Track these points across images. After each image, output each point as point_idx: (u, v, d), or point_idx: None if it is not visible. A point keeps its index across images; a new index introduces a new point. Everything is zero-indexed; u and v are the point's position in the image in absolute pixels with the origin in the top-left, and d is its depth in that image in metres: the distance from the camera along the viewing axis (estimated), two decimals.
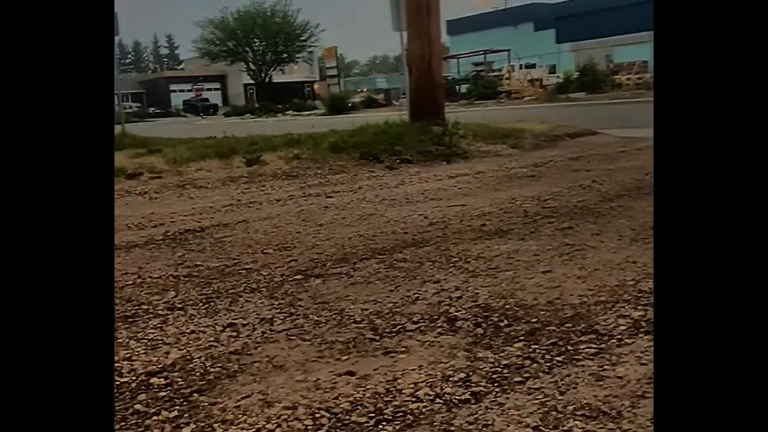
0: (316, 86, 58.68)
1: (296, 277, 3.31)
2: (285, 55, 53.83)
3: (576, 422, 1.76)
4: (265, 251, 3.87)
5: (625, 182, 5.55)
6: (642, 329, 2.35)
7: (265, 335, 2.53)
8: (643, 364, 2.07)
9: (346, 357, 2.28)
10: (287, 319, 2.69)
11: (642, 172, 5.96)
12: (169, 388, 2.11)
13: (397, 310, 2.73)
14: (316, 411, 1.89)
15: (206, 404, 1.98)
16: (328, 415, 1.87)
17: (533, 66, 37.12)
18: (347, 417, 1.85)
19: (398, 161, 7.74)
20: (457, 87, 34.90)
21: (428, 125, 8.97)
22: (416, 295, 2.90)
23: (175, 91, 63.77)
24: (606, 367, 2.08)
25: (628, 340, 2.27)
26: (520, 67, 36.42)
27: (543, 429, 1.74)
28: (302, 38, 53.39)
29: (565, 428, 1.73)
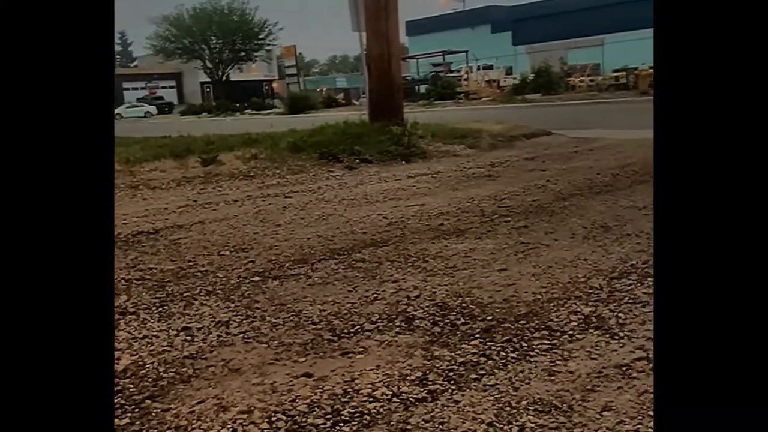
0: (275, 85, 58.19)
1: (253, 278, 3.29)
2: (243, 54, 53.35)
3: (529, 417, 1.80)
4: (221, 253, 3.84)
5: (577, 182, 5.66)
6: (592, 325, 2.41)
7: (221, 339, 2.51)
8: (593, 359, 2.13)
9: (303, 359, 2.28)
10: (244, 321, 2.68)
11: (593, 172, 6.09)
12: (120, 395, 2.07)
13: (356, 310, 2.74)
14: (273, 414, 1.89)
15: (159, 410, 1.96)
16: (285, 417, 1.87)
17: (490, 67, 37.48)
18: (304, 419, 1.86)
19: (358, 161, 7.74)
20: (417, 87, 35.04)
21: (388, 125, 8.99)
22: (375, 295, 2.92)
23: (128, 89, 62.40)
24: (558, 362, 2.12)
25: (579, 336, 2.32)
26: (478, 69, 36.73)
27: (497, 425, 1.77)
28: (260, 36, 52.98)
29: (518, 423, 1.77)
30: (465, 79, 34.04)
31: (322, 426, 1.82)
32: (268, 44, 54.45)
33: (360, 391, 1.99)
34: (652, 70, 25.24)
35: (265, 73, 61.77)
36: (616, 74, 28.94)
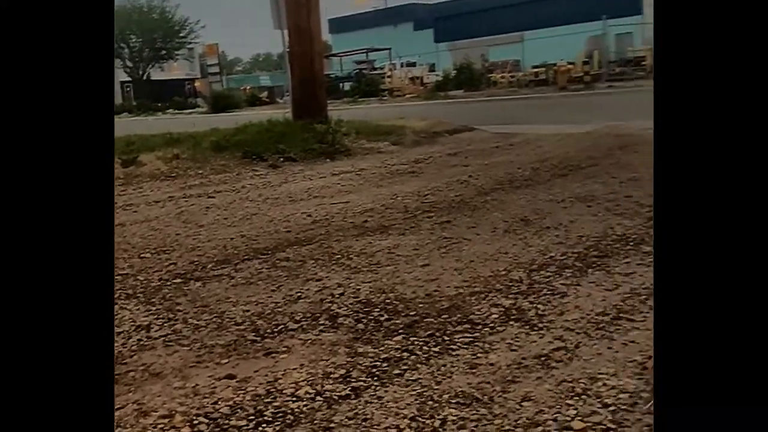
0: (197, 84, 56.95)
1: (175, 280, 3.22)
2: (163, 52, 52.14)
3: (451, 410, 1.82)
4: (142, 255, 3.75)
5: (498, 176, 5.76)
6: (512, 317, 2.47)
7: (141, 343, 2.45)
8: (513, 351, 2.18)
9: (226, 360, 2.25)
10: (165, 324, 2.62)
11: (514, 167, 6.23)
12: None
13: (279, 309, 2.72)
14: (194, 417, 1.86)
15: None
16: (207, 420, 1.84)
17: (413, 64, 37.78)
18: (226, 421, 1.83)
19: (282, 160, 7.68)
20: (341, 85, 35.01)
21: (311, 123, 8.96)
22: (298, 294, 2.90)
23: None
24: (479, 354, 2.16)
25: (499, 328, 2.37)
26: (401, 66, 36.97)
27: (420, 419, 1.79)
28: (181, 35, 51.91)
29: (440, 417, 1.79)
30: (388, 77, 34.22)
31: (245, 428, 1.80)
32: (190, 42, 53.42)
33: (283, 391, 1.98)
34: (570, 66, 26.05)
35: (187, 72, 60.51)
36: (535, 70, 29.61)
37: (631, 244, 3.34)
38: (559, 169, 5.88)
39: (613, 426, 1.69)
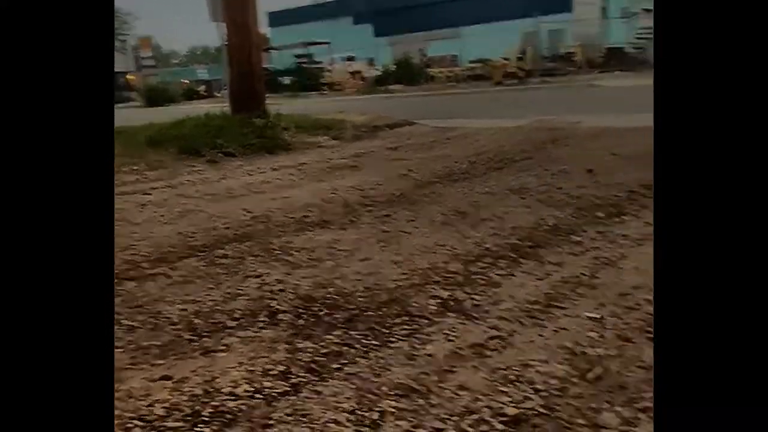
0: (131, 77, 55.58)
1: None
2: None
3: (389, 402, 1.84)
4: None
5: (436, 170, 5.83)
6: (450, 308, 2.51)
7: None
8: (450, 341, 2.22)
9: (161, 361, 2.22)
10: None
11: (451, 160, 6.31)
12: None
13: (218, 308, 2.69)
14: (128, 421, 1.82)
15: None
16: (141, 424, 1.81)
17: (353, 59, 37.71)
18: (162, 424, 1.81)
19: (220, 154, 7.58)
20: (280, 79, 34.68)
21: (250, 117, 8.87)
22: (237, 291, 2.88)
23: None
24: (417, 346, 2.19)
25: (437, 319, 2.41)
26: (341, 60, 36.87)
27: (358, 412, 1.81)
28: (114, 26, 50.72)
29: (379, 409, 1.81)
30: (328, 71, 34.08)
31: (182, 429, 1.78)
32: (122, 34, 52.16)
33: (221, 390, 1.97)
34: (505, 62, 26.46)
35: (120, 65, 59.05)
36: (472, 65, 29.93)
37: (562, 234, 3.43)
38: (494, 163, 5.98)
39: (545, 411, 1.74)
